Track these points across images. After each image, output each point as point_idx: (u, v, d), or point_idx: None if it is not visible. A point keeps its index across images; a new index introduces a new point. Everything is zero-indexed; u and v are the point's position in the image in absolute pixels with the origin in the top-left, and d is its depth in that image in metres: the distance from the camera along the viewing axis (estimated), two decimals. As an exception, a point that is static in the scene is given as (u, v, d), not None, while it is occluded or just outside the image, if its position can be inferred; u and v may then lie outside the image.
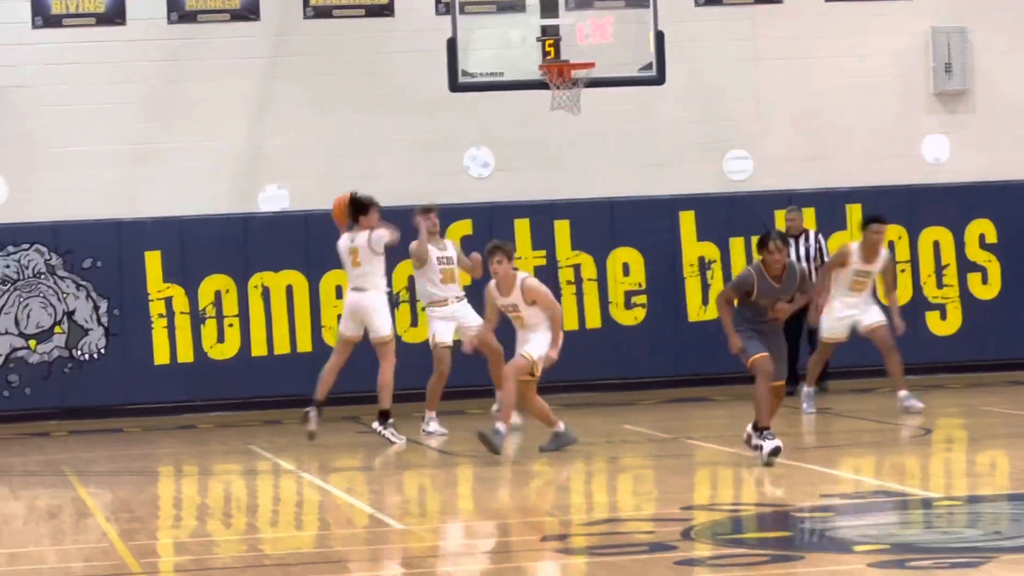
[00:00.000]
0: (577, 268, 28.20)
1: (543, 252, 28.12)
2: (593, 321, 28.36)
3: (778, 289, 19.24)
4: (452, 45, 24.92)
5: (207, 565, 15.46)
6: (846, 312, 24.47)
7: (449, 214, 27.52)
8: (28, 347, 27.33)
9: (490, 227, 27.80)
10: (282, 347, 27.92)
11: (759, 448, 18.93)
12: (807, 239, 26.87)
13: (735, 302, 19.57)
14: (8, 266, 27.37)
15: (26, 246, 27.40)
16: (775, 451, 18.71)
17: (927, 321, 28.48)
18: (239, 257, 27.65)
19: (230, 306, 27.74)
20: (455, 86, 25.13)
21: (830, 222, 28.11)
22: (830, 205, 28.26)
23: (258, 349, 27.89)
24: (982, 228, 28.63)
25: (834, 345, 24.76)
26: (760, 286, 19.13)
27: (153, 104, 28.14)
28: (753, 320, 19.43)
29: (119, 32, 28.08)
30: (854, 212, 28.07)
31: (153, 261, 27.53)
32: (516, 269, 21.40)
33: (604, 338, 28.34)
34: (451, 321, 23.84)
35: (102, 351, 27.64)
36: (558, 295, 27.65)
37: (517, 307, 21.04)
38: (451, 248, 24.15)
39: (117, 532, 16.52)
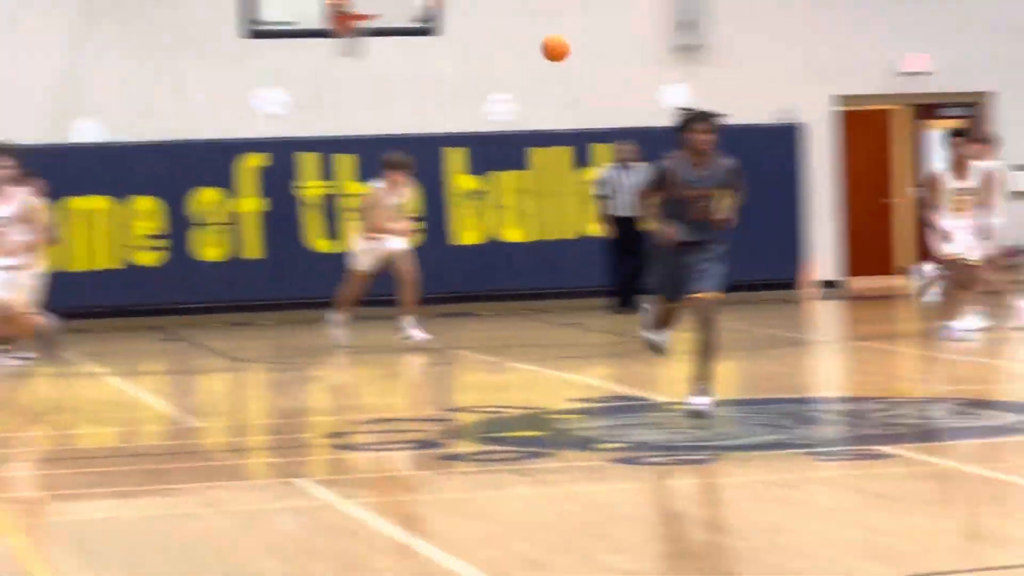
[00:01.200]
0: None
1: (331, 183, 27.83)
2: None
3: (705, 177, 15.25)
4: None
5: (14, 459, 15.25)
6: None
7: (244, 147, 27.36)
8: None
9: (286, 163, 27.63)
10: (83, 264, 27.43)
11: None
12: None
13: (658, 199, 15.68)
14: None
15: None
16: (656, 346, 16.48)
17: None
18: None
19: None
20: (250, 33, 24.91)
21: (582, 159, 28.12)
22: (581, 144, 28.12)
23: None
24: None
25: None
26: (682, 172, 15.19)
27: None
28: (679, 218, 15.19)
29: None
30: (599, 150, 28.14)
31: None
32: None
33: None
34: None
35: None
36: (342, 224, 27.57)
37: None
38: None
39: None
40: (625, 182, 26.08)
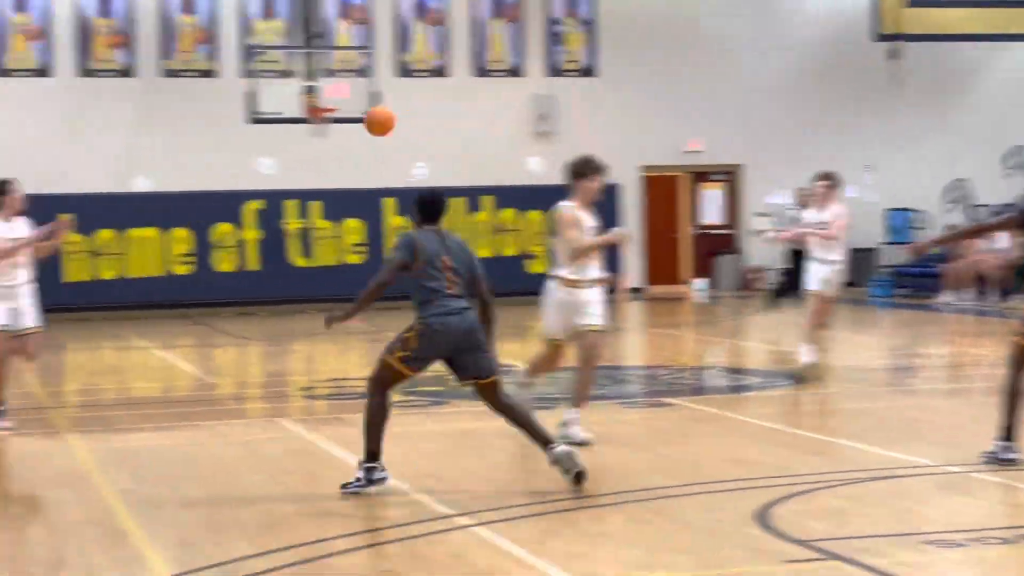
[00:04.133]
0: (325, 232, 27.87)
1: (305, 220, 27.72)
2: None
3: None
4: (250, 97, 24.60)
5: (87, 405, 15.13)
6: None
7: (248, 196, 27.24)
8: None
9: (276, 207, 27.51)
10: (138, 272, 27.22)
11: None
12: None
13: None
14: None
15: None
16: None
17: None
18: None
19: None
20: (252, 120, 24.82)
21: (473, 206, 28.13)
22: (474, 195, 28.10)
23: None
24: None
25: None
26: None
27: None
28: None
29: None
30: (485, 200, 28.22)
31: None
32: None
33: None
34: None
35: None
36: (313, 246, 27.49)
37: None
38: None
39: None
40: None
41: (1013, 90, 30.93)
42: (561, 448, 9.06)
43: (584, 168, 11.18)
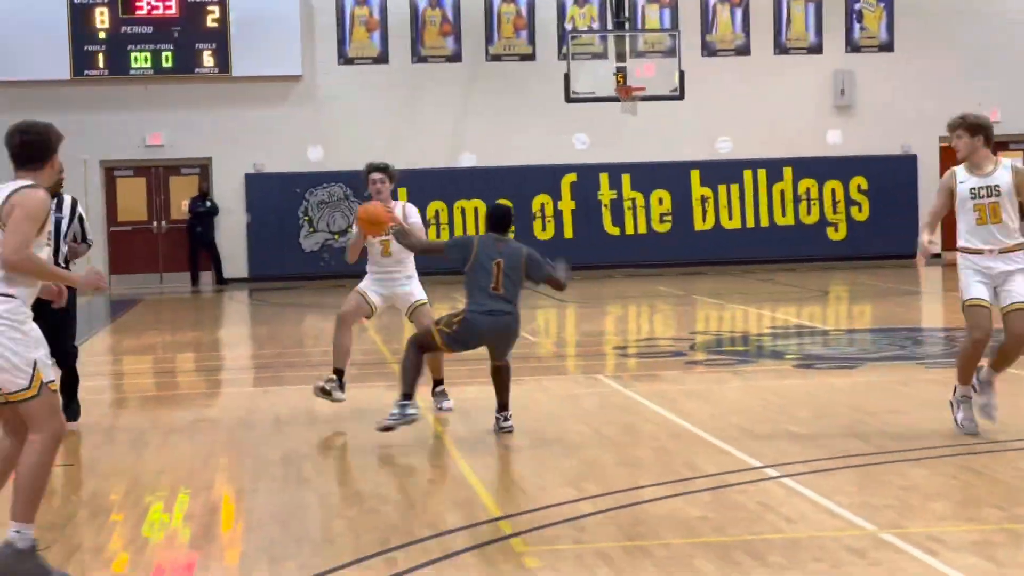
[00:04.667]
0: (633, 202, 27.86)
1: (615, 192, 27.82)
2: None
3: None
4: (567, 78, 24.73)
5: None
6: None
7: (565, 169, 27.49)
8: (334, 239, 27.24)
9: (590, 179, 27.67)
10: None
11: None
12: None
13: None
14: (325, 193, 27.30)
15: (334, 184, 27.30)
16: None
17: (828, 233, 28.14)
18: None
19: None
20: (568, 99, 24.95)
21: (776, 176, 27.76)
22: (777, 167, 27.73)
23: None
24: (859, 181, 28.15)
25: None
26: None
27: None
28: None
29: None
30: (787, 172, 27.84)
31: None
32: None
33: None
34: None
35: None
36: (624, 216, 27.55)
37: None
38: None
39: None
40: None
41: None
42: None
43: None
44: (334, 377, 11.08)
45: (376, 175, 10.97)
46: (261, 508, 7.87)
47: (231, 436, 10.50)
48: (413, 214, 11.07)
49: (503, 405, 10.05)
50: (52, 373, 6.21)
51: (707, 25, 28.54)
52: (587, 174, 27.81)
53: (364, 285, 11.21)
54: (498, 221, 10.12)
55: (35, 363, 6.05)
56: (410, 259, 11.15)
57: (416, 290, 11.21)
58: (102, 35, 26.64)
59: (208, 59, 27.06)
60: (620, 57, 25.87)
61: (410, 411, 9.70)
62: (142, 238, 27.93)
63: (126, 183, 28.00)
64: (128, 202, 27.87)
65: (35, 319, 6.24)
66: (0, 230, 6.12)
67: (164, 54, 26.86)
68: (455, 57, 28.10)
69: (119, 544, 7.14)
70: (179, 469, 9.14)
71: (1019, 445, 8.92)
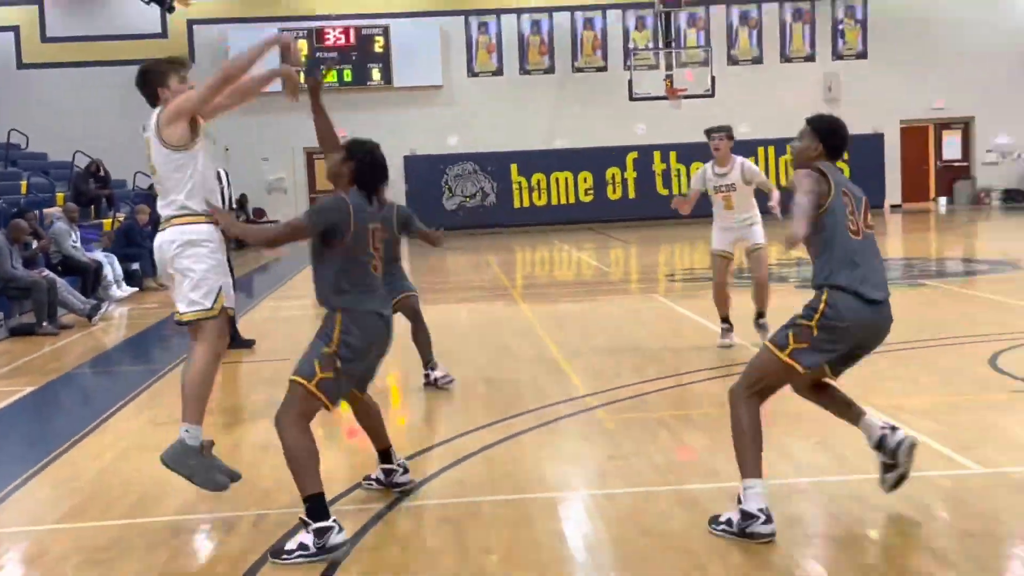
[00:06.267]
0: (679, 172, 27.45)
1: (664, 165, 27.43)
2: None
3: None
4: (630, 83, 24.40)
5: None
6: None
7: (625, 150, 27.14)
8: (466, 203, 27.23)
9: (648, 156, 27.27)
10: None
11: None
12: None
13: None
14: (460, 168, 27.24)
15: (466, 162, 27.27)
16: None
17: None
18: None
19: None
20: (631, 99, 24.66)
21: (781, 152, 27.14)
22: (782, 145, 27.10)
23: None
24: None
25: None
26: None
27: None
28: None
29: None
30: (790, 149, 27.13)
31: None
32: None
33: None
34: None
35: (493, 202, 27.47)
36: (672, 184, 27.21)
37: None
38: None
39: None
40: None
41: None
42: None
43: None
44: (726, 325, 9.01)
45: (714, 135, 8.87)
46: (422, 393, 7.90)
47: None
48: (750, 171, 8.85)
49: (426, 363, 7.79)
50: (231, 301, 5.08)
51: (731, 42, 28.03)
52: (645, 152, 27.53)
53: (716, 243, 9.10)
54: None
55: (220, 288, 4.96)
56: (750, 207, 8.95)
57: (756, 234, 8.95)
58: (303, 58, 26.84)
59: (376, 74, 27.18)
60: (668, 67, 25.59)
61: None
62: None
63: (319, 163, 28.29)
64: (320, 177, 28.15)
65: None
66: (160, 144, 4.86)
67: (345, 71, 27.04)
68: (550, 70, 27.91)
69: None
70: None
71: (955, 341, 8.74)
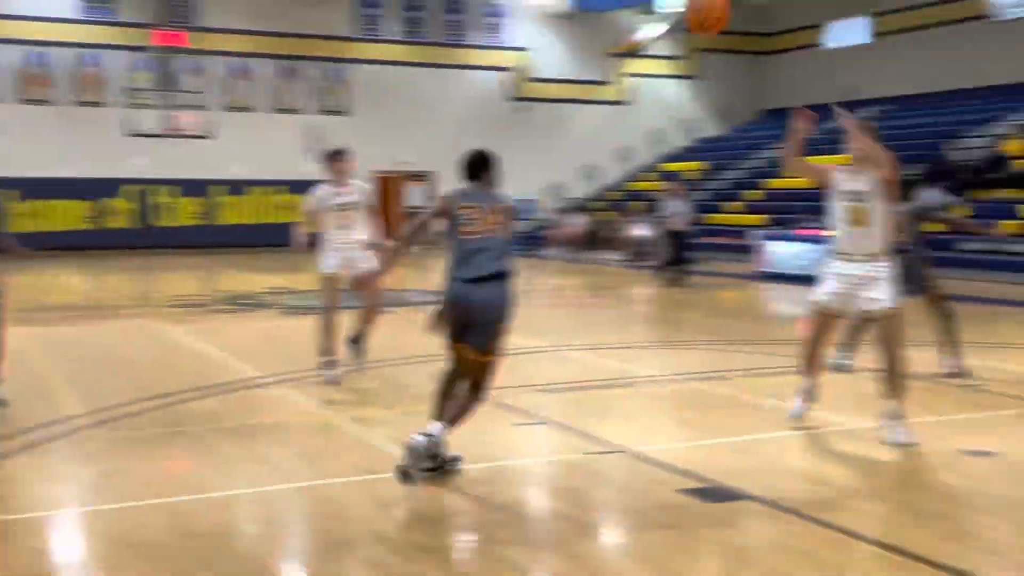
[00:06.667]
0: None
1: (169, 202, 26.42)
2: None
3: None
4: (128, 120, 23.19)
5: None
6: None
7: (124, 182, 25.74)
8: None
9: (151, 191, 26.00)
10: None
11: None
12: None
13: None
14: None
15: None
16: None
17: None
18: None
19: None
20: (129, 134, 23.47)
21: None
22: (276, 184, 27.13)
23: None
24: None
25: None
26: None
27: None
28: None
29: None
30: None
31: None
32: None
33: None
34: None
35: None
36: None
37: None
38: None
39: None
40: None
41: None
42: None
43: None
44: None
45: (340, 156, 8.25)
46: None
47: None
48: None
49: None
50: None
51: (229, 90, 27.82)
52: (149, 184, 26.23)
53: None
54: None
55: None
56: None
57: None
58: None
59: None
60: (169, 107, 24.81)
61: None
62: None
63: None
64: None
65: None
66: None
67: None
68: (54, 101, 25.75)
69: None
70: None
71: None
